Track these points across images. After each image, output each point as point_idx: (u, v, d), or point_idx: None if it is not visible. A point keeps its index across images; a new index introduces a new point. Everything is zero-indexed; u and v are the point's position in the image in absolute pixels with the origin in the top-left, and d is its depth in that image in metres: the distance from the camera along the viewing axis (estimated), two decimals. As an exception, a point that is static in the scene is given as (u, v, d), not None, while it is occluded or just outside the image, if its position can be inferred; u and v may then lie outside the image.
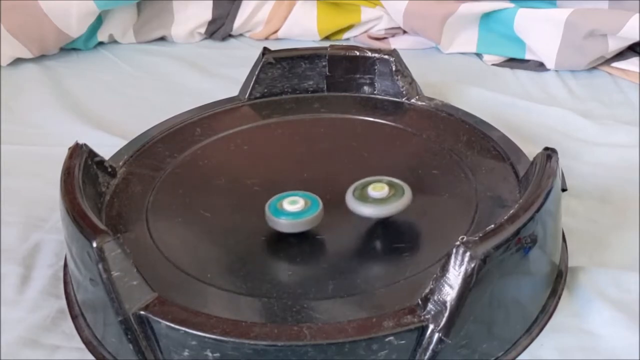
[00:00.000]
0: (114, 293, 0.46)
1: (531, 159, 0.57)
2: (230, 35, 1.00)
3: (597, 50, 0.85)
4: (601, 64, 0.88)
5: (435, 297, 0.45)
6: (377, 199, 0.54)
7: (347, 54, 0.74)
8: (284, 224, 0.53)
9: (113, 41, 0.98)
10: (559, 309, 0.53)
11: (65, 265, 0.58)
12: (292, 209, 0.53)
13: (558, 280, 0.55)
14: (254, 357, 0.44)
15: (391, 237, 0.56)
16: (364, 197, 0.54)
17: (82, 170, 0.56)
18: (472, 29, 0.92)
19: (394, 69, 0.72)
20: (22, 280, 0.57)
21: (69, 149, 0.57)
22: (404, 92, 0.72)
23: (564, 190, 0.56)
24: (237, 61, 0.89)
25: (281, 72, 0.74)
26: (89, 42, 0.96)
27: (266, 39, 0.99)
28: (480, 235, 0.45)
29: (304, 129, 0.70)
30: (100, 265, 0.46)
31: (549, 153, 0.54)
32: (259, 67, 0.73)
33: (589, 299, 0.53)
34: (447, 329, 0.45)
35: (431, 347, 0.45)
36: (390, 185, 0.55)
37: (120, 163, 0.63)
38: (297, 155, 0.66)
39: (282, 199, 0.54)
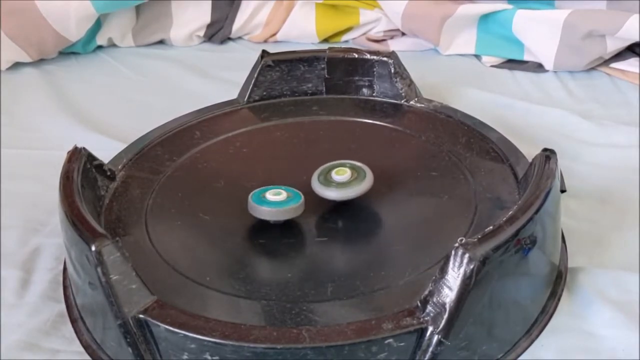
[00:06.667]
0: (113, 296, 0.46)
1: (530, 160, 0.57)
2: (229, 38, 1.00)
3: (596, 51, 0.85)
4: (600, 65, 0.88)
5: (435, 299, 0.45)
6: (340, 182, 0.56)
7: (345, 56, 0.74)
8: (265, 212, 0.55)
9: (112, 45, 0.98)
10: (559, 309, 0.53)
11: (65, 269, 0.58)
12: (275, 199, 0.55)
13: (558, 281, 0.55)
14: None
15: (390, 238, 0.56)
16: (327, 182, 0.57)
17: (81, 174, 0.56)
18: (470, 31, 0.92)
19: (392, 70, 0.72)
20: (21, 284, 0.57)
21: (68, 152, 0.57)
22: (402, 94, 0.72)
23: (563, 191, 0.56)
24: (236, 64, 0.89)
25: (280, 74, 0.74)
26: (87, 45, 0.96)
27: (265, 41, 0.99)
28: (479, 236, 0.45)
29: (303, 131, 0.70)
30: (99, 269, 0.46)
31: (548, 154, 0.54)
32: (258, 69, 0.73)
33: (589, 300, 0.53)
34: (447, 331, 0.45)
35: (430, 349, 0.45)
36: (353, 169, 0.57)
37: (119, 166, 0.63)
38: (296, 157, 0.66)
39: (265, 190, 0.56)
